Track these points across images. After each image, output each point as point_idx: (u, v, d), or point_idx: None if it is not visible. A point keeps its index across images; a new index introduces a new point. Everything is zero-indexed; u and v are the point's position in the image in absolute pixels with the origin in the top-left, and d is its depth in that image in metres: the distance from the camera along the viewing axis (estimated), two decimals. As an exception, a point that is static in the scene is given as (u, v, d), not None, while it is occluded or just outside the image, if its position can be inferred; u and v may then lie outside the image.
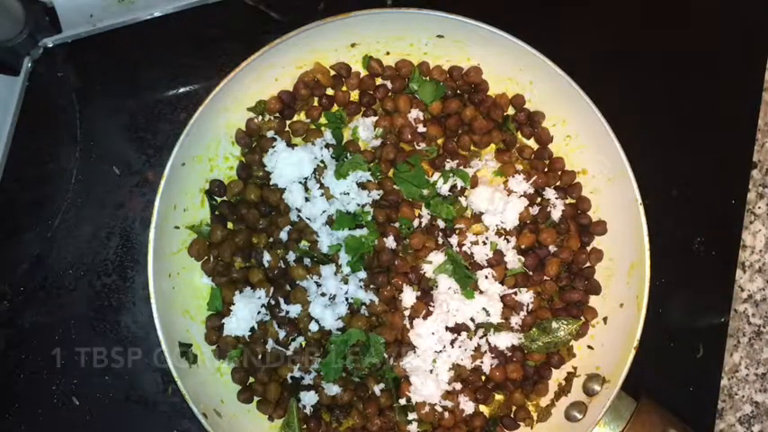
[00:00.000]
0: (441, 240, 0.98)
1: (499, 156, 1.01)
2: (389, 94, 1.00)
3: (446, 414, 0.95)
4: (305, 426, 0.95)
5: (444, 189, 0.97)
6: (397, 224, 0.97)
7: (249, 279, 0.94)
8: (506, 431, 0.97)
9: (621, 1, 1.11)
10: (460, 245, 0.96)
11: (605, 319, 0.98)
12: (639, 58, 1.09)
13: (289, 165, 0.94)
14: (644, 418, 0.93)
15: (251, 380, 0.96)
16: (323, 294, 0.94)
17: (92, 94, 1.04)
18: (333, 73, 1.00)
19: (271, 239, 0.96)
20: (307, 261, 0.96)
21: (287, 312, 0.94)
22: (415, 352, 0.94)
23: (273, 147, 0.95)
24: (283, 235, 0.95)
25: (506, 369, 0.96)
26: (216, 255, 0.95)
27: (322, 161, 0.96)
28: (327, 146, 0.97)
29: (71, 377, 1.01)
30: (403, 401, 0.95)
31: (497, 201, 0.95)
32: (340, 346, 0.93)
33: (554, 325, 0.96)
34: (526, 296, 0.96)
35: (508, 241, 0.97)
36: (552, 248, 0.98)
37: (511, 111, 1.02)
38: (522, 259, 0.97)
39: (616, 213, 0.97)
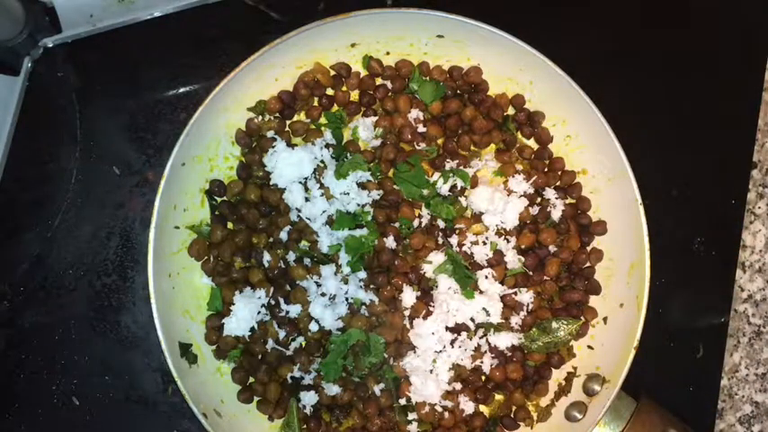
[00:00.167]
0: (441, 240, 0.98)
1: (499, 156, 1.01)
2: (389, 94, 1.00)
3: (446, 414, 0.95)
4: (305, 426, 0.95)
5: (444, 189, 0.97)
6: (397, 224, 0.97)
7: (249, 279, 0.94)
8: (506, 431, 0.97)
9: (621, 1, 1.11)
10: (460, 245, 0.96)
11: (605, 319, 0.98)
12: (639, 58, 1.09)
13: (289, 165, 0.94)
14: (644, 418, 0.93)
15: (251, 380, 0.96)
16: (323, 294, 0.94)
17: (92, 94, 1.04)
18: (333, 73, 1.00)
19: (271, 239, 0.96)
20: (307, 261, 0.96)
21: (287, 312, 0.94)
22: (415, 352, 0.94)
23: (273, 147, 0.95)
24: (283, 235, 0.95)
25: (506, 369, 0.96)
26: (216, 255, 0.96)
27: (322, 161, 0.96)
28: (327, 146, 0.97)
29: (71, 377, 1.01)
30: (403, 401, 0.95)
31: (497, 201, 0.95)
32: (340, 346, 0.93)
33: (554, 325, 0.96)
34: (526, 296, 0.96)
35: (508, 241, 0.97)
36: (552, 248, 0.98)
37: (511, 111, 1.02)
38: (522, 259, 0.97)
39: (616, 213, 0.97)
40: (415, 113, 0.98)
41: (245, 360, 0.95)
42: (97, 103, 1.04)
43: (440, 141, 1.00)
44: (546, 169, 1.01)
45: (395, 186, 0.97)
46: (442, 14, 0.91)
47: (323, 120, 1.00)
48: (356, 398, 0.95)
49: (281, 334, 0.95)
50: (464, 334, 0.95)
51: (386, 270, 0.96)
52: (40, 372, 1.01)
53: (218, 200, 0.98)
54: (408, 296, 0.95)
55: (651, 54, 1.09)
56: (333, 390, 0.94)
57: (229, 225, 0.97)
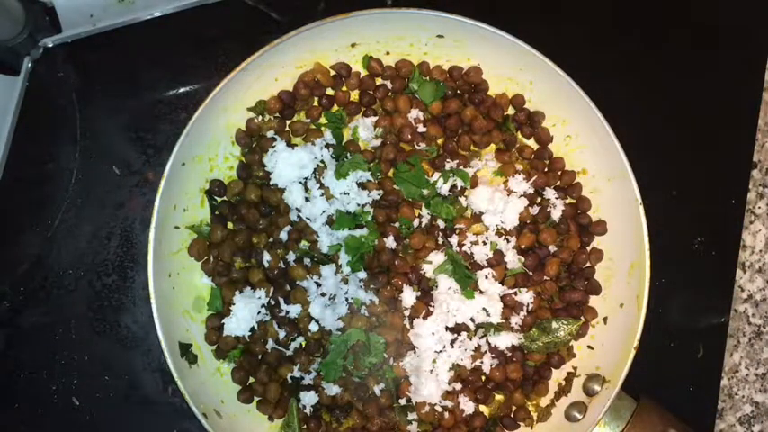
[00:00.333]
0: (441, 240, 0.98)
1: (499, 156, 1.01)
2: (389, 94, 1.00)
3: (446, 414, 0.95)
4: (305, 426, 0.95)
5: (444, 189, 0.97)
6: (397, 224, 0.97)
7: (249, 279, 0.95)
8: (506, 431, 0.97)
9: (622, 1, 1.11)
10: (460, 245, 0.96)
11: (605, 319, 0.98)
12: (639, 58, 1.09)
13: (289, 165, 0.94)
14: (644, 418, 0.93)
15: (251, 380, 0.96)
16: (323, 294, 0.94)
17: (92, 94, 1.04)
18: (333, 73, 1.00)
19: (271, 239, 0.96)
20: (307, 261, 0.96)
21: (287, 312, 0.94)
22: (414, 352, 0.94)
23: (273, 147, 0.95)
24: (283, 235, 0.95)
25: (506, 369, 0.96)
26: (216, 255, 0.96)
27: (322, 161, 0.96)
28: (327, 146, 0.97)
29: (71, 377, 1.01)
30: (403, 401, 0.95)
31: (497, 201, 0.95)
32: (340, 346, 0.93)
33: (554, 325, 0.96)
34: (526, 296, 0.96)
35: (508, 241, 0.97)
36: (552, 248, 0.98)
37: (511, 111, 1.02)
38: (522, 259, 0.97)
39: (616, 213, 0.97)
40: (415, 113, 0.98)
41: (245, 360, 0.95)
42: (97, 103, 1.04)
43: (440, 141, 1.00)
44: (546, 169, 1.01)
45: (395, 186, 0.97)
46: (442, 14, 0.91)
47: (323, 120, 1.00)
48: (356, 398, 0.95)
49: (281, 334, 0.95)
50: (464, 334, 0.95)
51: (386, 270, 0.96)
52: (40, 372, 1.01)
53: (218, 200, 0.98)
54: (408, 296, 0.95)
55: (651, 54, 1.09)
56: (333, 390, 0.94)
57: (229, 225, 0.97)
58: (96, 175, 1.03)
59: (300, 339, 0.96)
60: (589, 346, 0.99)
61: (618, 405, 0.93)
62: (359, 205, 0.96)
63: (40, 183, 1.04)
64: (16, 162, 1.02)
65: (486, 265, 0.96)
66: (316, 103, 1.00)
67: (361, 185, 0.96)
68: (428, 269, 0.96)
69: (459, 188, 0.98)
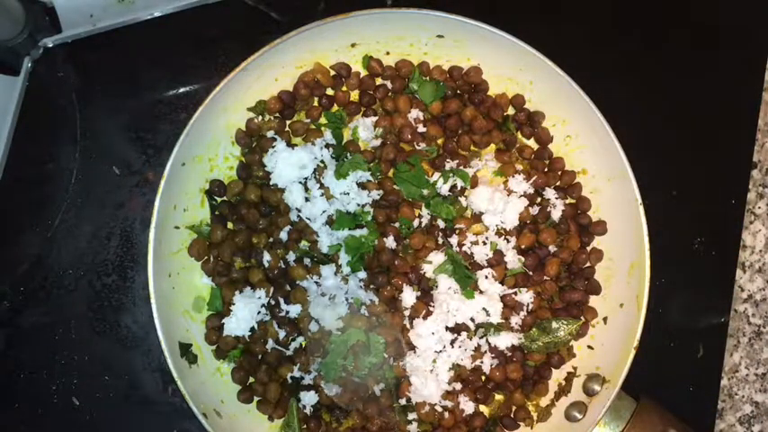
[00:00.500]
0: (441, 240, 0.98)
1: (499, 156, 1.01)
2: (389, 94, 1.00)
3: (446, 414, 0.95)
4: (305, 426, 0.95)
5: (444, 189, 0.97)
6: (397, 224, 0.97)
7: (249, 279, 0.95)
8: (506, 431, 0.97)
9: (621, 1, 1.11)
10: (460, 245, 0.96)
11: (605, 319, 0.98)
12: (639, 57, 1.09)
13: (289, 165, 0.94)
14: (644, 418, 0.93)
15: (251, 380, 0.96)
16: (323, 294, 0.94)
17: (92, 94, 1.04)
18: (333, 73, 1.00)
19: (271, 239, 0.96)
20: (307, 261, 0.96)
21: (287, 312, 0.94)
22: (415, 352, 0.94)
23: (273, 147, 0.95)
24: (283, 235, 0.95)
25: (506, 369, 0.96)
26: (216, 255, 0.96)
27: (322, 161, 0.96)
28: (327, 146, 0.97)
29: (71, 377, 1.01)
30: (403, 401, 0.95)
31: (497, 201, 0.95)
32: (340, 346, 0.93)
33: (554, 325, 0.96)
34: (526, 296, 0.96)
35: (508, 241, 0.97)
36: (552, 248, 0.98)
37: (511, 111, 1.02)
38: (522, 259, 0.97)
39: (616, 213, 0.97)
40: (415, 113, 0.98)
41: (245, 360, 0.95)
42: (97, 103, 1.04)
43: (440, 141, 1.00)
44: (546, 169, 1.01)
45: (395, 186, 0.97)
46: (442, 14, 0.91)
47: (323, 120, 1.00)
48: (356, 398, 0.95)
49: (281, 334, 0.95)
50: (464, 334, 0.95)
51: (386, 270, 0.96)
52: (40, 372, 1.01)
53: (218, 200, 0.98)
54: (408, 296, 0.95)
55: (651, 54, 1.09)
56: (333, 390, 0.94)
57: (229, 225, 0.97)
58: (96, 175, 1.03)
59: (300, 339, 0.95)
60: (589, 346, 0.99)
61: (618, 405, 0.93)
62: (359, 205, 0.96)
63: (40, 183, 1.03)
64: (16, 162, 1.02)
65: (486, 265, 0.96)
66: (316, 103, 1.00)
67: (361, 185, 0.96)
68: (428, 269, 0.96)
69: (459, 188, 0.98)
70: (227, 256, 0.95)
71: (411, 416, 0.95)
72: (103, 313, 1.01)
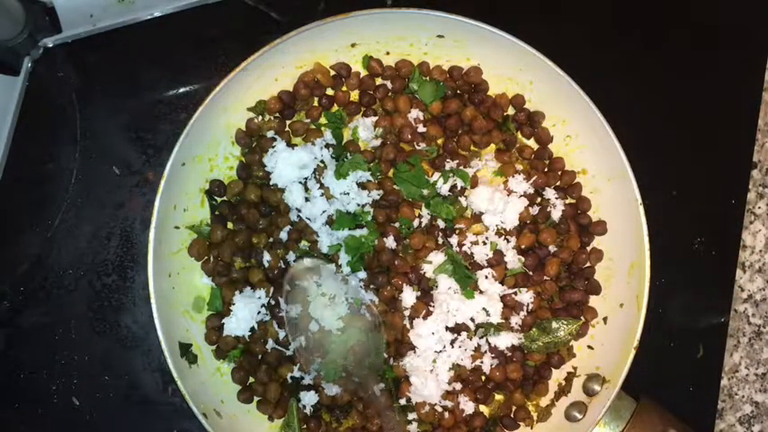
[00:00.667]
0: (441, 240, 0.98)
1: (499, 156, 1.01)
2: (389, 94, 1.00)
3: (446, 414, 0.95)
4: (305, 426, 0.95)
5: (444, 189, 0.97)
6: (397, 224, 0.97)
7: (249, 279, 0.95)
8: (506, 431, 0.97)
9: (622, 1, 1.11)
10: (460, 245, 0.96)
11: (605, 319, 0.98)
12: (639, 57, 1.09)
13: (289, 165, 0.94)
14: (644, 418, 0.93)
15: (251, 380, 0.96)
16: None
17: (92, 94, 1.04)
18: (333, 73, 1.00)
19: (271, 239, 0.96)
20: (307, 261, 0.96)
21: (287, 312, 0.94)
22: (415, 352, 0.94)
23: (273, 147, 0.95)
24: (283, 235, 0.95)
25: (506, 369, 0.96)
26: (216, 255, 0.96)
27: (322, 161, 0.96)
28: (327, 146, 0.97)
29: (71, 377, 1.01)
30: (403, 401, 0.95)
31: (497, 201, 0.95)
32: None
33: (554, 325, 0.96)
34: (526, 296, 0.96)
35: (508, 241, 0.97)
36: (552, 248, 0.98)
37: (511, 111, 1.02)
38: (522, 259, 0.97)
39: (616, 213, 0.97)
40: (415, 113, 0.98)
41: (245, 360, 0.95)
42: (97, 103, 1.04)
43: (440, 141, 1.00)
44: (546, 169, 1.01)
45: (395, 186, 0.97)
46: (442, 14, 0.91)
47: (323, 120, 1.00)
48: (356, 398, 0.95)
49: (281, 334, 0.95)
50: (464, 334, 0.95)
51: (386, 270, 0.96)
52: (40, 372, 1.01)
53: (218, 200, 0.98)
54: (408, 296, 0.95)
55: (651, 54, 1.09)
56: (333, 390, 0.94)
57: (229, 225, 0.97)
58: (96, 175, 1.03)
59: (300, 339, 0.95)
60: (589, 346, 0.99)
61: (618, 405, 0.92)
62: (359, 205, 0.96)
63: (40, 183, 1.04)
64: (16, 162, 1.02)
65: (486, 265, 0.96)
66: (316, 103, 1.00)
67: (361, 185, 0.96)
68: (428, 269, 0.96)
69: (459, 188, 0.98)
70: (227, 256, 0.95)
71: (411, 416, 0.95)
72: (103, 313, 1.01)
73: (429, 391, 0.93)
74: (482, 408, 0.98)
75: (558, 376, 0.99)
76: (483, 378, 0.97)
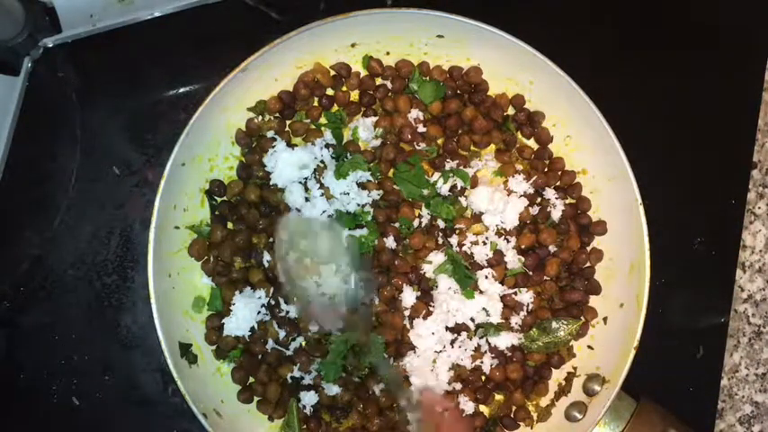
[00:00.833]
0: (441, 240, 0.98)
1: (499, 156, 1.01)
2: (389, 94, 1.00)
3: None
4: (305, 426, 0.95)
5: (444, 189, 0.97)
6: (397, 224, 0.97)
7: (249, 279, 0.95)
8: (506, 431, 0.97)
9: (622, 1, 1.11)
10: (460, 245, 0.96)
11: (605, 319, 0.98)
12: (639, 57, 1.09)
13: (289, 165, 0.94)
14: (644, 418, 0.93)
15: (251, 380, 0.96)
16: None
17: (92, 94, 1.04)
18: (333, 73, 1.00)
19: (271, 239, 0.96)
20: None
21: (287, 312, 0.94)
22: (414, 352, 0.94)
23: (273, 147, 0.95)
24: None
25: (506, 369, 0.96)
26: (216, 255, 0.95)
27: (322, 161, 0.96)
28: (327, 146, 0.97)
29: (71, 377, 1.01)
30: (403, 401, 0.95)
31: (497, 201, 0.95)
32: (340, 346, 0.93)
33: (554, 325, 0.96)
34: (526, 296, 0.96)
35: (508, 241, 0.97)
36: (552, 248, 0.98)
37: (511, 111, 1.02)
38: (522, 259, 0.97)
39: (616, 213, 0.97)
40: (415, 113, 0.98)
41: (245, 360, 0.95)
42: (97, 103, 1.04)
43: (440, 141, 1.00)
44: (546, 169, 1.01)
45: (395, 186, 0.97)
46: (442, 14, 0.91)
47: (323, 120, 1.00)
48: (356, 398, 0.95)
49: (281, 334, 0.95)
50: (464, 334, 0.95)
51: (386, 270, 0.96)
52: (40, 372, 1.01)
53: (218, 200, 0.98)
54: (408, 296, 0.95)
55: (651, 54, 1.09)
56: (333, 390, 0.94)
57: (229, 225, 0.97)
58: (96, 175, 1.03)
59: (300, 339, 0.95)
60: (589, 346, 0.99)
61: (618, 405, 0.92)
62: (359, 205, 0.96)
63: (40, 183, 1.03)
64: (16, 162, 1.02)
65: (486, 265, 0.96)
66: (316, 103, 1.00)
67: (361, 185, 0.96)
68: (428, 269, 0.96)
69: (459, 188, 0.98)
70: (227, 256, 0.95)
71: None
72: (103, 313, 1.01)
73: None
74: (482, 408, 0.98)
75: (558, 376, 0.99)
76: (483, 378, 0.97)
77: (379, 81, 1.00)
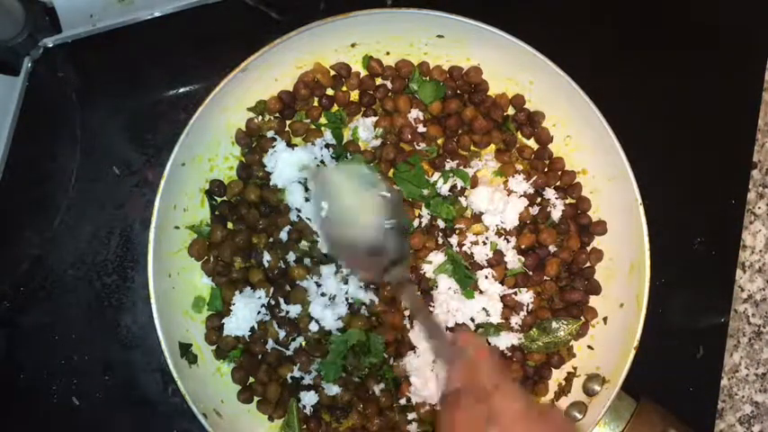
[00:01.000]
0: (441, 240, 0.98)
1: (499, 156, 1.01)
2: (389, 94, 1.00)
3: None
4: (305, 426, 0.95)
5: (444, 189, 0.97)
6: (397, 224, 0.97)
7: (249, 279, 0.94)
8: (506, 431, 0.97)
9: (622, 1, 1.11)
10: (460, 245, 0.96)
11: (605, 319, 0.98)
12: (639, 57, 1.09)
13: (289, 165, 0.94)
14: (644, 418, 0.93)
15: (251, 380, 0.96)
16: (323, 294, 0.94)
17: (92, 94, 1.04)
18: (333, 73, 1.00)
19: (271, 239, 0.96)
20: (307, 261, 0.96)
21: (287, 312, 0.94)
22: (414, 352, 0.94)
23: (273, 147, 0.95)
24: (283, 235, 0.95)
25: (506, 369, 0.96)
26: (216, 255, 0.95)
27: (322, 161, 0.96)
28: (327, 146, 0.97)
29: (71, 377, 1.01)
30: (403, 401, 0.95)
31: (497, 201, 0.95)
32: (340, 346, 0.93)
33: (554, 325, 0.96)
34: (526, 296, 0.96)
35: (508, 241, 0.97)
36: (552, 248, 0.98)
37: (511, 111, 1.02)
38: (522, 259, 0.97)
39: (616, 213, 0.97)
40: (415, 113, 0.98)
41: (245, 360, 0.95)
42: (97, 103, 1.04)
43: (440, 141, 1.00)
44: (546, 169, 1.01)
45: (395, 186, 0.97)
46: (442, 14, 0.91)
47: (323, 120, 1.00)
48: (356, 398, 0.95)
49: (281, 334, 0.95)
50: (464, 334, 0.95)
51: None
52: (40, 372, 1.01)
53: (218, 200, 0.98)
54: (408, 296, 0.95)
55: (651, 54, 1.09)
56: (333, 390, 0.94)
57: (229, 225, 0.97)
58: (96, 175, 1.03)
59: (300, 339, 0.95)
60: (589, 346, 0.99)
61: (618, 405, 0.92)
62: (359, 205, 0.95)
63: (40, 183, 1.03)
64: (16, 162, 1.02)
65: (486, 265, 0.96)
66: (316, 103, 1.00)
67: (361, 185, 0.96)
68: (428, 269, 0.96)
69: (459, 188, 0.98)
70: (227, 256, 0.95)
71: (411, 416, 0.95)
72: (103, 313, 1.01)
73: (429, 391, 0.93)
74: (482, 408, 0.98)
75: (558, 376, 0.99)
76: (483, 378, 0.97)
77: (379, 81, 1.00)
